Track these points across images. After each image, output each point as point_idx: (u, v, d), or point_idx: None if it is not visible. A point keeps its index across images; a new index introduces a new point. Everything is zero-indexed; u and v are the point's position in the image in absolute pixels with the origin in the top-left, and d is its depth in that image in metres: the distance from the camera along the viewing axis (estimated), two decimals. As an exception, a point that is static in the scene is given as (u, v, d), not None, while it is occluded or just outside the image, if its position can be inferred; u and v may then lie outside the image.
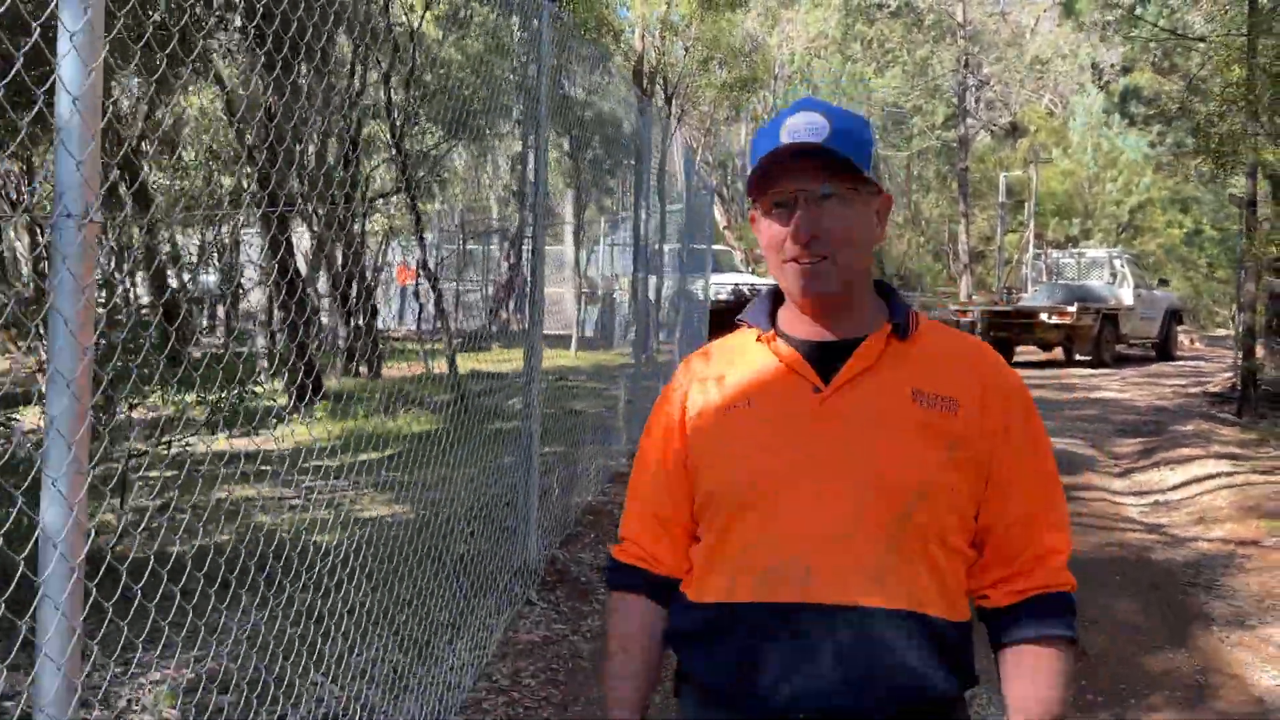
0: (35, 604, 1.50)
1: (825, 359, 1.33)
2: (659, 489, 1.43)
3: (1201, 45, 12.00)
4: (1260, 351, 11.39)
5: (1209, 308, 29.53)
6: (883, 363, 1.32)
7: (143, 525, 4.87)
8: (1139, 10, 12.90)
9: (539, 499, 4.65)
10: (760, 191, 1.34)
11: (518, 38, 4.77)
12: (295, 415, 6.11)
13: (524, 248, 6.32)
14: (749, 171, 1.36)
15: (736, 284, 16.47)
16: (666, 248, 9.64)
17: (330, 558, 3.26)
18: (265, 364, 9.27)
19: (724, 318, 13.36)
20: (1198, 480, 6.78)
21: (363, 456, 6.18)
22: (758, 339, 1.39)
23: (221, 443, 5.37)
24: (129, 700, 3.14)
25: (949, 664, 1.26)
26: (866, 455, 1.27)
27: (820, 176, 1.29)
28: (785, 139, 1.29)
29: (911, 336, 1.34)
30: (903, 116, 28.21)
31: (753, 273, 20.21)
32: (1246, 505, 5.96)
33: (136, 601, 2.09)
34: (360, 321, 10.23)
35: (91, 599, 1.67)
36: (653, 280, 8.80)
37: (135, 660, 3.31)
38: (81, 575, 1.51)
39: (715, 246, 16.62)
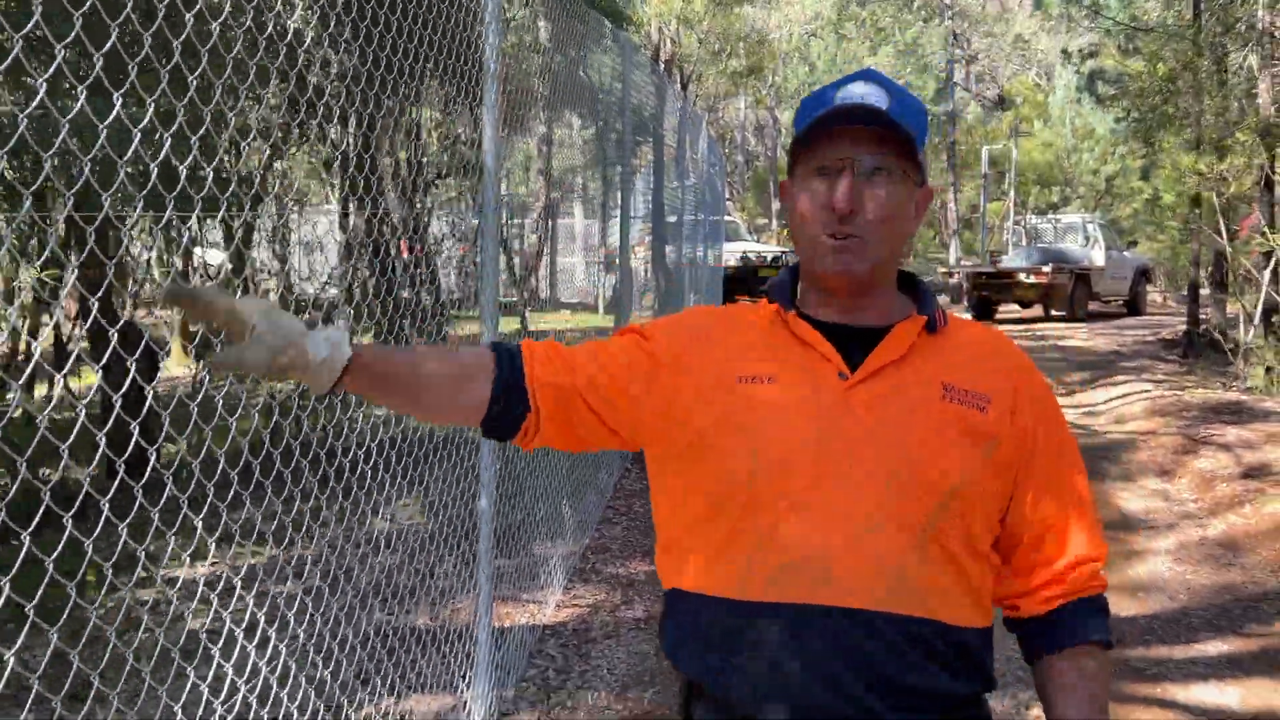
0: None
1: (850, 345, 1.23)
2: (587, 365, 1.27)
3: (1154, 33, 13.66)
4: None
5: (1187, 269, 31.28)
6: (912, 354, 1.23)
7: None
8: (1102, 2, 14.53)
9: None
10: (803, 156, 1.23)
11: (600, 63, 6.45)
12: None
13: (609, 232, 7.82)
14: (793, 137, 1.26)
15: (744, 251, 18.19)
16: (685, 219, 11.29)
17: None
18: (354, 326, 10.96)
19: (733, 282, 15.34)
20: (1123, 396, 8.60)
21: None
22: (779, 313, 1.28)
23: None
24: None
25: (971, 671, 1.20)
26: (896, 451, 1.18)
27: (872, 148, 1.19)
28: (838, 102, 1.21)
29: (940, 330, 1.27)
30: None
31: (757, 240, 21.97)
32: (1154, 410, 7.78)
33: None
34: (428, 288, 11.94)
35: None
36: (669, 249, 10.44)
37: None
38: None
39: (725, 218, 18.33)
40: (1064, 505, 1.27)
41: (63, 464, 1.62)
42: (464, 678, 3.24)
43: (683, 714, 1.28)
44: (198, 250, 7.15)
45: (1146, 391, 8.64)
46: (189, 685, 2.17)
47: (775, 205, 29.86)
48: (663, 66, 16.01)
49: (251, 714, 2.18)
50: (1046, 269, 17.80)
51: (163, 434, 2.50)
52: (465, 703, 3.18)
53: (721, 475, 1.21)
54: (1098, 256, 19.19)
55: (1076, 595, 1.26)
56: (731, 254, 17.59)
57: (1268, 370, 8.21)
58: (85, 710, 1.82)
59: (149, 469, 1.84)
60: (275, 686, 2.30)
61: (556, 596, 4.30)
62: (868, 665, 1.15)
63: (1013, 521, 1.25)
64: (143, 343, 2.10)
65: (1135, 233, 22.58)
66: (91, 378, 6.46)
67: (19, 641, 1.33)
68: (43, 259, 4.17)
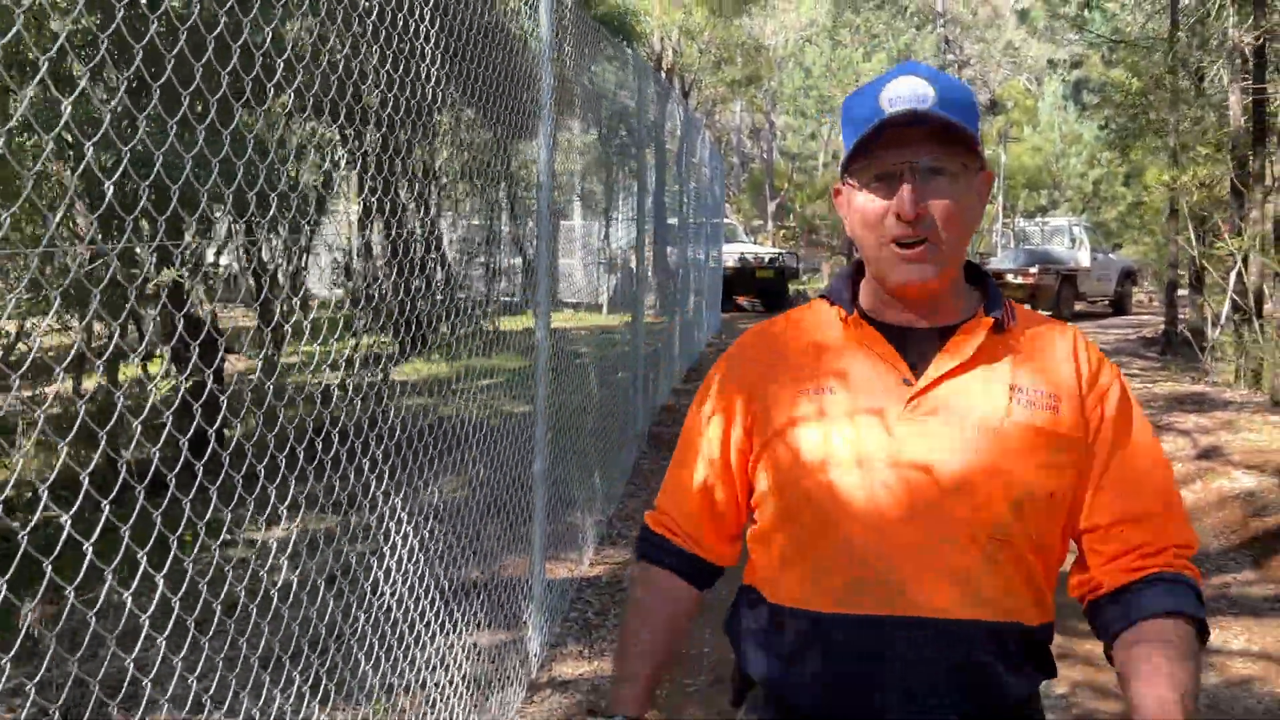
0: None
1: (915, 348, 1.22)
2: (707, 474, 1.33)
3: (1134, 47, 14.34)
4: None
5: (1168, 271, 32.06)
6: (979, 356, 1.21)
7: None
8: (1086, 14, 15.21)
9: (641, 397, 7.07)
10: (858, 163, 1.20)
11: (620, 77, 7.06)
12: (410, 359, 8.30)
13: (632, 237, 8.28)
14: (843, 140, 1.25)
15: (741, 253, 18.84)
16: (684, 220, 11.92)
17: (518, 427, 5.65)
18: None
19: (731, 283, 16.02)
20: (1098, 389, 9.26)
21: (484, 381, 8.57)
22: (841, 318, 1.26)
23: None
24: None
25: (1038, 666, 1.21)
26: (962, 460, 1.16)
27: (930, 148, 1.17)
28: (887, 107, 1.17)
29: (1008, 328, 1.23)
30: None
31: (754, 242, 22.62)
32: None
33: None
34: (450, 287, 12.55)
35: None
36: (671, 250, 11.06)
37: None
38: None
39: (724, 220, 18.98)
40: (1142, 495, 1.21)
41: (161, 441, 1.85)
42: (524, 617, 3.86)
43: (734, 701, 1.34)
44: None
45: (1119, 384, 9.30)
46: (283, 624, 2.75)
47: (771, 207, 30.52)
48: (664, 74, 16.66)
49: (322, 641, 2.80)
50: (1033, 270, 18.48)
51: (242, 415, 2.94)
52: (527, 635, 3.81)
53: (789, 486, 1.22)
54: (1083, 258, 19.87)
55: (1163, 568, 1.18)
56: (730, 255, 18.24)
57: (1236, 364, 8.87)
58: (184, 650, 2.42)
59: (230, 446, 2.28)
60: (345, 624, 2.91)
61: (590, 555, 4.94)
62: (945, 673, 1.15)
63: (1091, 513, 1.22)
64: (221, 339, 2.69)
65: (1121, 236, 23.25)
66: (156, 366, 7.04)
67: (133, 585, 1.55)
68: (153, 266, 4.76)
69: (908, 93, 1.18)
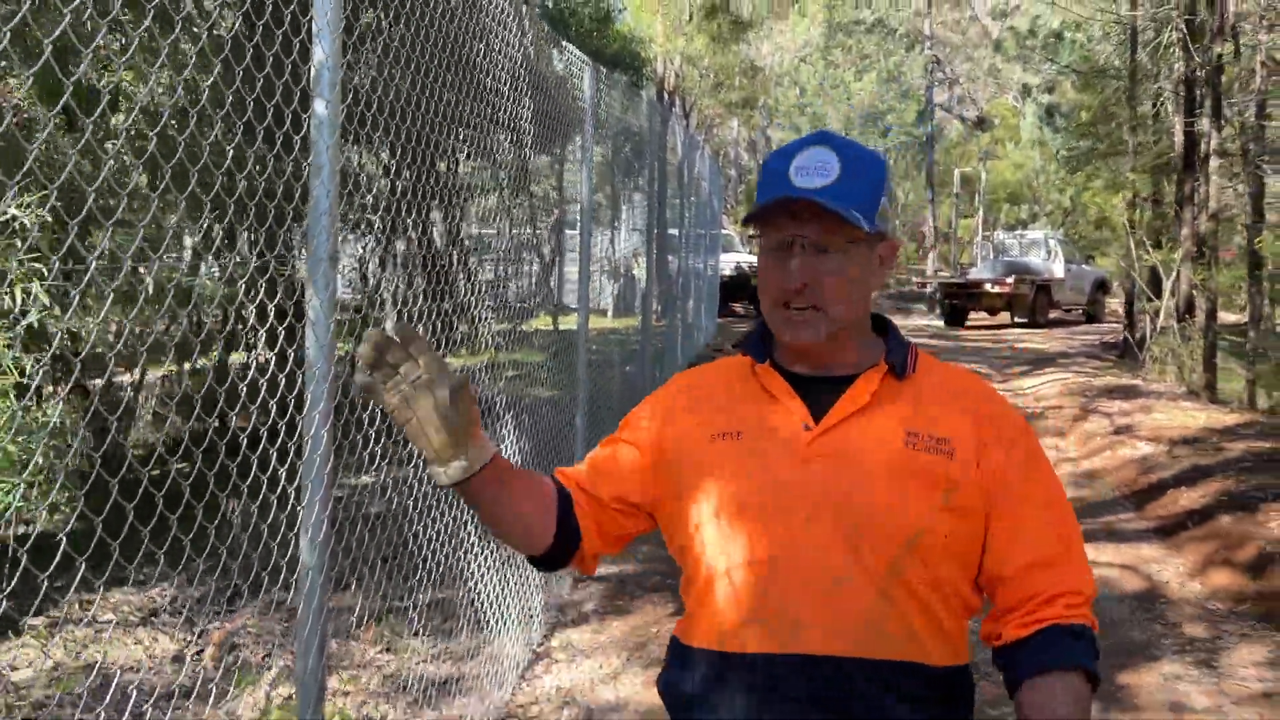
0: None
1: (818, 396, 1.29)
2: (605, 474, 1.39)
3: (1099, 74, 15.69)
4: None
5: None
6: (876, 402, 1.27)
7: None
8: (1056, 43, 16.57)
9: (649, 387, 8.36)
10: (760, 226, 1.30)
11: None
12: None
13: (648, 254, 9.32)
14: (756, 195, 1.32)
15: (738, 262, 20.13)
16: (686, 232, 13.18)
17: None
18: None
19: (728, 290, 17.47)
20: (1047, 381, 10.59)
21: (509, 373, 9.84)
22: (753, 367, 1.34)
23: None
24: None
25: (947, 709, 1.24)
26: (857, 500, 1.22)
27: (820, 227, 1.24)
28: (793, 177, 1.25)
29: (908, 376, 1.30)
30: (879, 116, 31.94)
31: (750, 252, 23.94)
32: (1065, 391, 9.77)
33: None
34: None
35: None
36: (672, 259, 12.28)
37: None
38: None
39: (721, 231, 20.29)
40: (1045, 541, 1.25)
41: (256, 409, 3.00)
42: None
43: None
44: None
45: (1066, 379, 10.64)
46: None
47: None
48: (667, 95, 18.00)
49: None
50: (1009, 280, 19.80)
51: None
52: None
53: (694, 532, 1.29)
54: (1057, 269, 21.17)
55: (1059, 620, 1.23)
56: (727, 264, 19.54)
57: (1161, 364, 10.19)
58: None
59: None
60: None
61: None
62: (843, 711, 1.18)
63: (992, 560, 1.25)
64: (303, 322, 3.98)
65: (1091, 249, 24.65)
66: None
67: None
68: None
69: (814, 164, 1.25)
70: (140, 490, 1.82)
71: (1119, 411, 8.46)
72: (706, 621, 1.28)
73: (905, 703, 1.20)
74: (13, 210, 2.99)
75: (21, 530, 4.66)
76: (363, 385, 1.18)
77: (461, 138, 3.49)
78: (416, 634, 4.01)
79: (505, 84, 3.67)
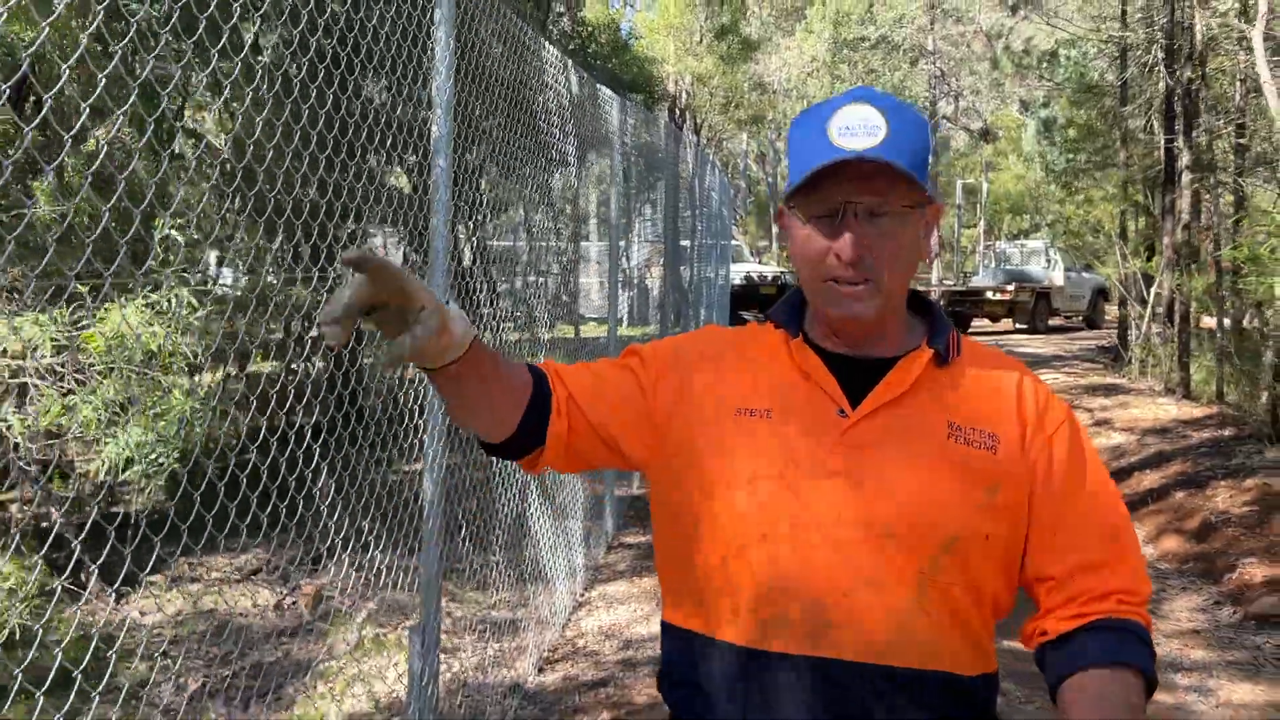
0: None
1: (855, 378, 1.18)
2: (606, 400, 1.25)
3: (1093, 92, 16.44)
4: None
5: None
6: (917, 390, 1.17)
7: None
8: (1054, 60, 17.32)
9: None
10: (802, 196, 1.15)
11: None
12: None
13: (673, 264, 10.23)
14: (788, 167, 1.20)
15: (747, 272, 20.90)
16: (698, 243, 13.94)
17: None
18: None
19: (738, 299, 18.33)
20: (1037, 382, 11.33)
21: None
22: (785, 341, 1.23)
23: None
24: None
25: (971, 717, 1.16)
26: (894, 496, 1.12)
27: (875, 189, 1.12)
28: (836, 138, 1.12)
29: (952, 361, 1.20)
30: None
31: (759, 261, 24.76)
32: (1055, 389, 10.49)
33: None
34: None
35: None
36: (685, 269, 13.04)
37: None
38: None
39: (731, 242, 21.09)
40: (1093, 540, 1.17)
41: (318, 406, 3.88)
42: (601, 514, 5.92)
43: None
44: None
45: (1056, 379, 11.35)
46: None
47: (775, 229, 32.67)
48: (679, 113, 18.80)
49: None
50: (1010, 288, 20.53)
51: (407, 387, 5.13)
52: (606, 524, 5.86)
53: (714, 509, 1.17)
54: (1057, 277, 21.86)
55: (1110, 614, 1.14)
56: (737, 274, 20.31)
57: (1142, 364, 10.90)
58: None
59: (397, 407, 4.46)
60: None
61: (637, 483, 7.00)
62: (866, 719, 1.10)
63: (1036, 560, 1.17)
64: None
65: (1079, 257, 25.37)
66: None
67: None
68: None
69: (858, 123, 1.12)
70: (247, 471, 2.57)
71: (1100, 407, 9.18)
72: (716, 609, 1.17)
73: (926, 711, 1.12)
74: (170, 231, 3.76)
75: (130, 504, 5.44)
76: (323, 328, 1.00)
77: (529, 172, 4.27)
78: (492, 585, 4.77)
79: (557, 125, 4.46)
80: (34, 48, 2.33)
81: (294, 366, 5.42)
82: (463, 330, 1.10)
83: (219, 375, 7.06)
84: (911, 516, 1.12)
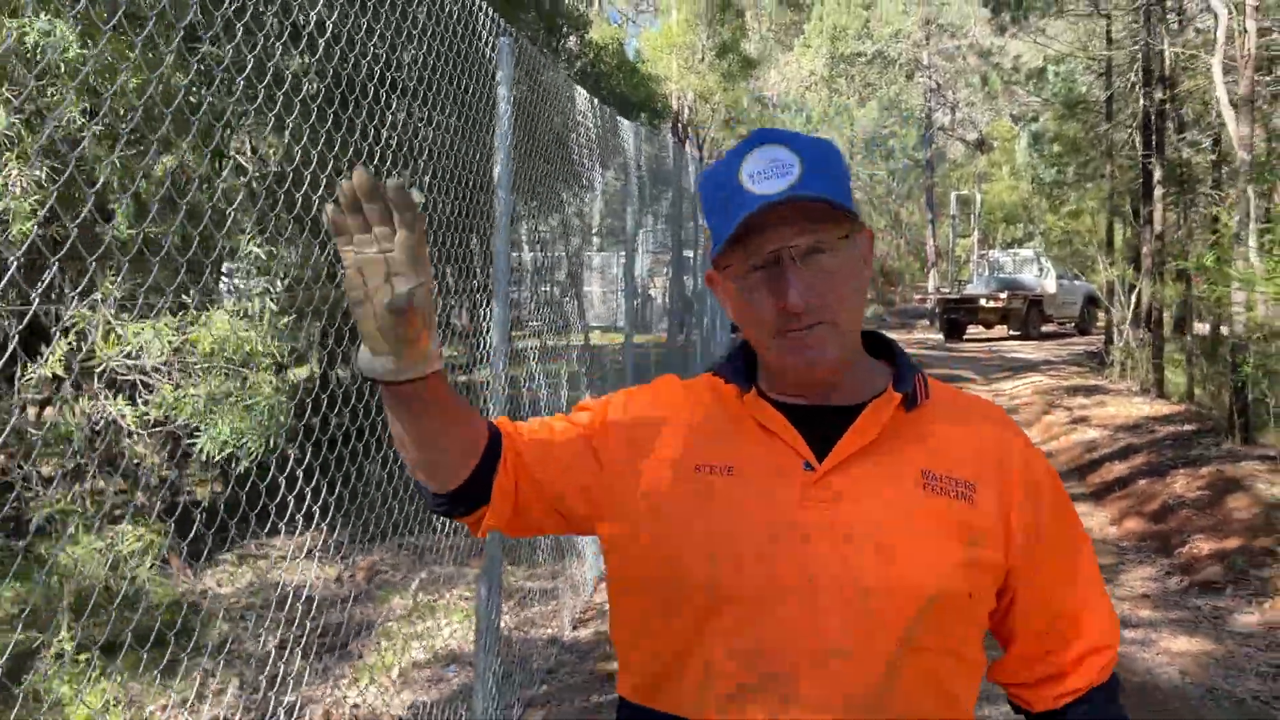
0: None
1: (818, 430, 1.10)
2: (555, 460, 1.17)
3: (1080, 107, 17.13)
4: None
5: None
6: (887, 437, 1.09)
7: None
8: (1041, 78, 18.01)
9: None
10: (730, 253, 1.08)
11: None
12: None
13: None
14: (708, 226, 1.13)
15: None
16: (701, 254, 14.56)
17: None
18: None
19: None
20: (1024, 384, 11.97)
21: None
22: (738, 396, 1.14)
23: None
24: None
25: None
26: (866, 556, 1.04)
27: (805, 229, 1.06)
28: (751, 185, 1.06)
29: (920, 404, 1.13)
30: (883, 139, 33.45)
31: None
32: (1036, 391, 11.15)
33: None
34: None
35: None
36: (688, 279, 13.67)
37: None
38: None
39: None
40: (1072, 592, 1.15)
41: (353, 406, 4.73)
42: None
43: None
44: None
45: (1040, 381, 12.02)
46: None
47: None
48: (683, 128, 19.50)
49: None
50: (1003, 295, 21.20)
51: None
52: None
53: (674, 575, 1.08)
54: (1049, 284, 22.51)
55: (1090, 686, 1.14)
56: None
57: (1122, 366, 11.56)
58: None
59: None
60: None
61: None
62: None
63: (1019, 614, 1.14)
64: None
65: (1062, 263, 26.04)
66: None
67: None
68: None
69: (768, 165, 1.06)
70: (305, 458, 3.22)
71: (1079, 405, 9.83)
72: (676, 684, 1.09)
73: None
74: (252, 247, 4.41)
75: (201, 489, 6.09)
76: (332, 218, 0.93)
77: (566, 198, 4.94)
78: (538, 552, 5.42)
79: (586, 154, 5.12)
80: (115, 86, 2.97)
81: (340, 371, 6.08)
82: (436, 345, 1.02)
83: (303, 371, 7.71)
84: (889, 575, 1.04)
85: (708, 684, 1.06)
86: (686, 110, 19.41)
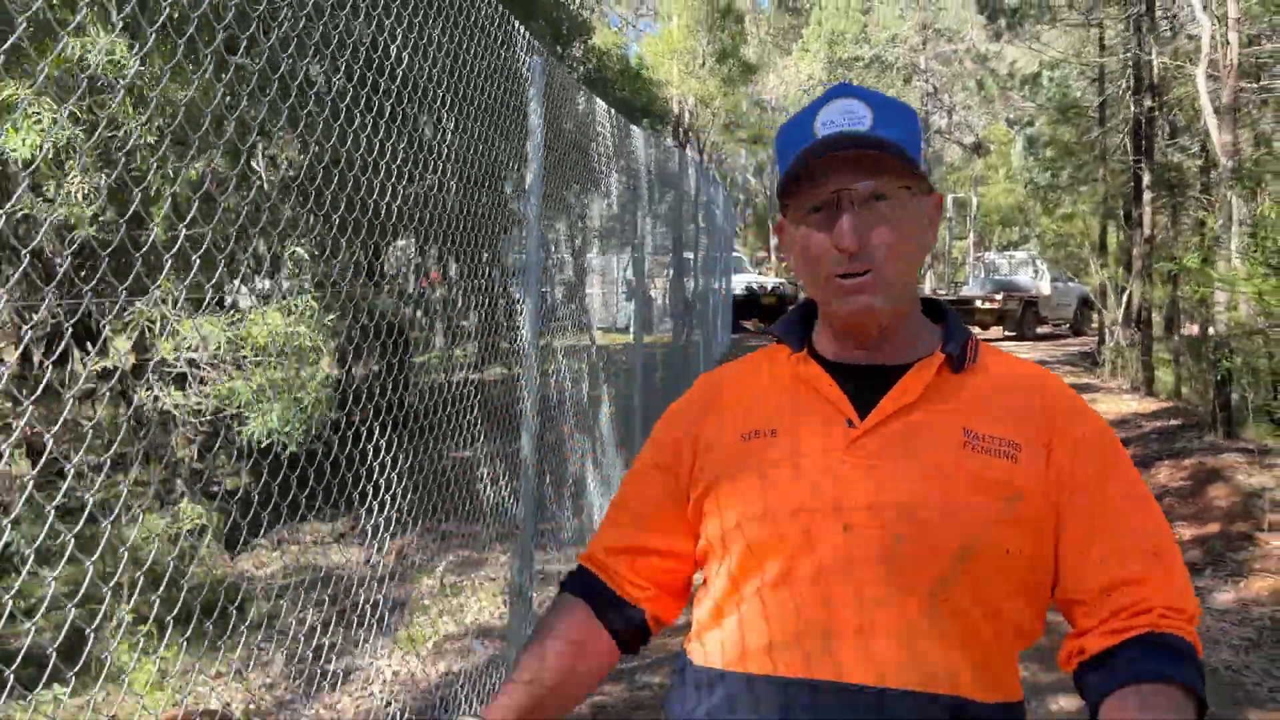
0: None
1: (864, 388, 1.14)
2: (644, 516, 1.25)
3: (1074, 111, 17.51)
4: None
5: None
6: (930, 397, 1.12)
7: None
8: (1036, 83, 18.38)
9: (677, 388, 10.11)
10: (792, 195, 1.13)
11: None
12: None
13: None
14: (777, 172, 1.16)
15: (748, 283, 21.90)
16: (703, 256, 14.92)
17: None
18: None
19: (739, 308, 19.44)
20: (1017, 382, 12.31)
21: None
22: (789, 357, 1.20)
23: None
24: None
25: None
26: (904, 506, 1.06)
27: (867, 173, 1.09)
28: (821, 131, 1.10)
29: (968, 367, 1.14)
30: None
31: (759, 272, 25.78)
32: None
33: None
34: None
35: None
36: (689, 281, 14.02)
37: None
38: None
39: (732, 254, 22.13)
40: (1131, 555, 1.07)
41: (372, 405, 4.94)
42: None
43: None
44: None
45: (1034, 380, 12.37)
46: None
47: (774, 240, 33.72)
48: (684, 131, 19.86)
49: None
50: (998, 297, 21.55)
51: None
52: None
53: (719, 536, 1.15)
54: (1044, 286, 22.81)
55: (1153, 628, 1.04)
56: (739, 284, 21.31)
57: (1113, 365, 11.91)
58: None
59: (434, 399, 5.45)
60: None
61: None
62: None
63: (1071, 579, 1.09)
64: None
65: (1055, 265, 26.43)
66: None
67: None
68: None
69: (841, 115, 1.11)
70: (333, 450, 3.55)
71: (1070, 403, 10.17)
72: (725, 638, 1.14)
73: None
74: (297, 249, 4.75)
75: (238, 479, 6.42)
76: None
77: (588, 200, 5.28)
78: (563, 528, 5.75)
79: (604, 162, 5.47)
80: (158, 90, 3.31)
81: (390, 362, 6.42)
82: None
83: (349, 367, 8.05)
84: (923, 528, 1.06)
85: (746, 636, 1.10)
86: (687, 114, 19.78)
